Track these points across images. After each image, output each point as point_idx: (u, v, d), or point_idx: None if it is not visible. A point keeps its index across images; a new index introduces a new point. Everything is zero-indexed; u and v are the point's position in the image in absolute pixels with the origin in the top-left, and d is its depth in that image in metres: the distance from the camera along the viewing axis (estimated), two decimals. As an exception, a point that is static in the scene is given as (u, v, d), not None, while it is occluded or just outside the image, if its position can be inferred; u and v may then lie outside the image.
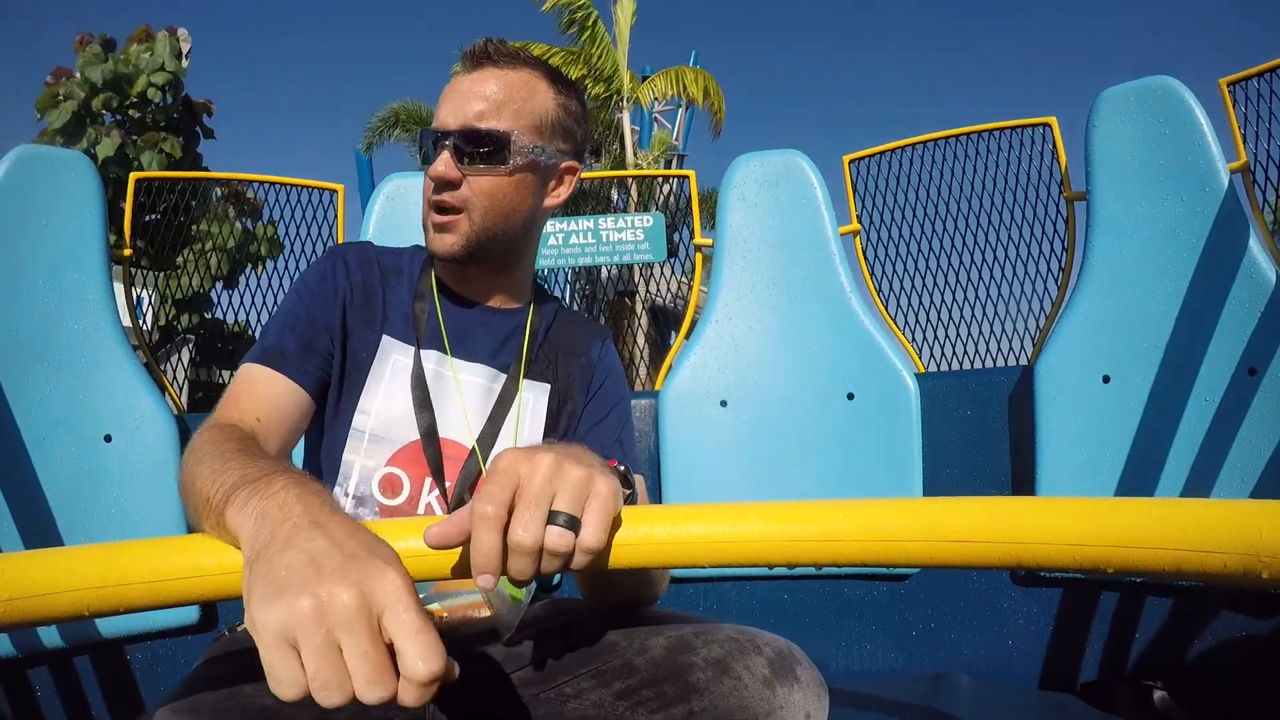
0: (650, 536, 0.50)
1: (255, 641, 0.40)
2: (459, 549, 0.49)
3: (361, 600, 0.39)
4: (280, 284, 3.03)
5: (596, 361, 0.96)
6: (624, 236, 2.65)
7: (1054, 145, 2.25)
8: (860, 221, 2.35)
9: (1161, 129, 1.43)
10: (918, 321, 2.73)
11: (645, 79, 11.10)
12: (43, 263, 1.44)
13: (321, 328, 0.85)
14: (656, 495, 1.62)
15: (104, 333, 1.47)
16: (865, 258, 2.34)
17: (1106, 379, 1.43)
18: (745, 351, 1.65)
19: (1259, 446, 1.29)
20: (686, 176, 2.46)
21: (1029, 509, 0.48)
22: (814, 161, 1.70)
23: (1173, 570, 0.43)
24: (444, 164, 0.83)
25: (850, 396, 1.59)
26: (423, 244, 0.91)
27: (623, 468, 0.64)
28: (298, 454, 0.95)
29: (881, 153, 2.40)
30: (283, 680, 0.39)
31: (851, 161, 2.36)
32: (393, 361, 0.87)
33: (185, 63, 10.02)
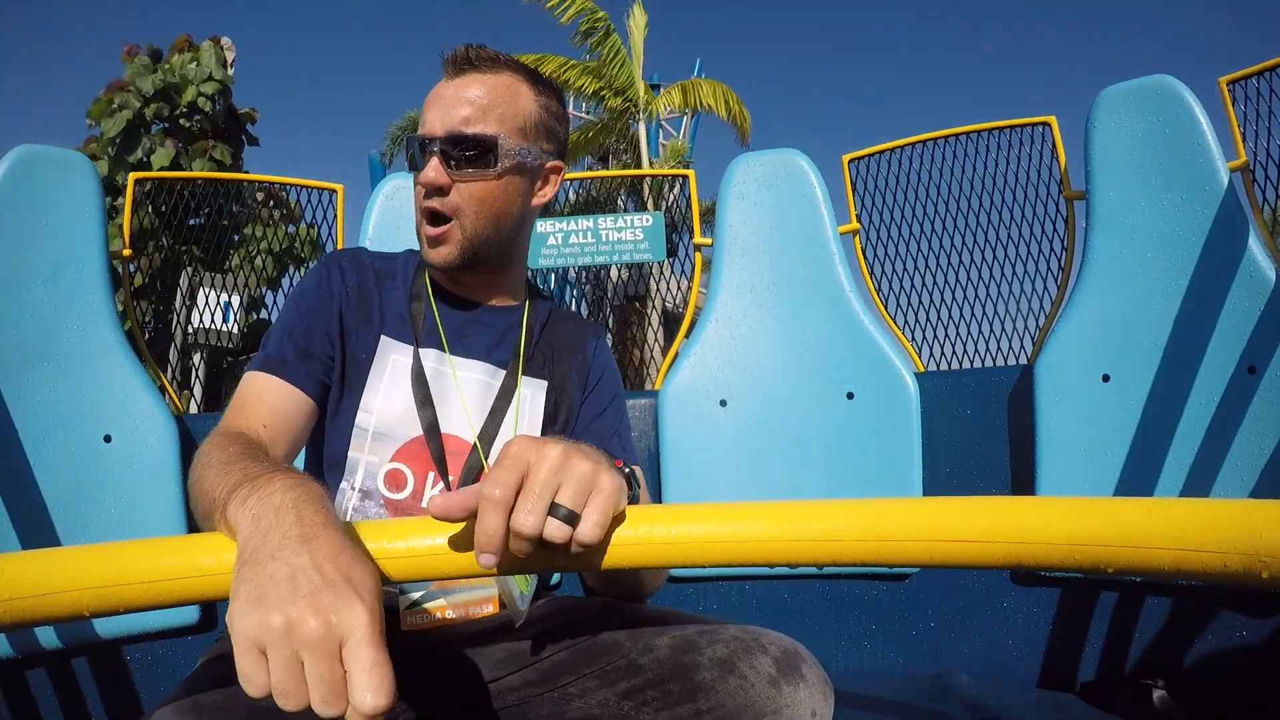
0: (651, 536, 0.51)
1: (230, 637, 0.43)
2: (462, 524, 0.51)
3: (327, 629, 0.41)
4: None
5: (593, 358, 0.98)
6: (624, 236, 2.65)
7: (1054, 144, 2.25)
8: (860, 221, 2.35)
9: (1161, 128, 1.43)
10: (917, 321, 2.72)
11: (655, 87, 11.03)
12: (43, 263, 1.44)
13: (320, 332, 0.87)
14: (656, 495, 1.62)
15: (104, 333, 1.47)
16: (865, 257, 2.34)
17: (1106, 378, 1.43)
18: (745, 351, 1.65)
19: (1259, 446, 1.29)
20: (686, 177, 2.45)
21: (1029, 509, 0.48)
22: (814, 161, 1.70)
23: (1173, 570, 0.43)
24: (433, 170, 0.84)
25: (850, 396, 1.59)
26: (416, 248, 0.93)
27: (627, 470, 0.64)
28: (299, 454, 0.95)
29: (881, 152, 2.40)
30: (250, 680, 0.42)
31: (851, 161, 2.35)
32: (392, 361, 0.88)
33: (231, 71, 10.09)
